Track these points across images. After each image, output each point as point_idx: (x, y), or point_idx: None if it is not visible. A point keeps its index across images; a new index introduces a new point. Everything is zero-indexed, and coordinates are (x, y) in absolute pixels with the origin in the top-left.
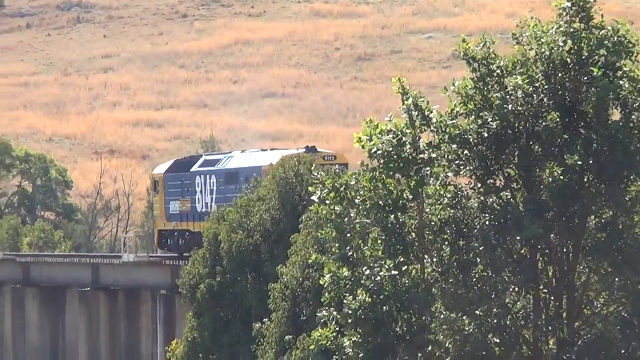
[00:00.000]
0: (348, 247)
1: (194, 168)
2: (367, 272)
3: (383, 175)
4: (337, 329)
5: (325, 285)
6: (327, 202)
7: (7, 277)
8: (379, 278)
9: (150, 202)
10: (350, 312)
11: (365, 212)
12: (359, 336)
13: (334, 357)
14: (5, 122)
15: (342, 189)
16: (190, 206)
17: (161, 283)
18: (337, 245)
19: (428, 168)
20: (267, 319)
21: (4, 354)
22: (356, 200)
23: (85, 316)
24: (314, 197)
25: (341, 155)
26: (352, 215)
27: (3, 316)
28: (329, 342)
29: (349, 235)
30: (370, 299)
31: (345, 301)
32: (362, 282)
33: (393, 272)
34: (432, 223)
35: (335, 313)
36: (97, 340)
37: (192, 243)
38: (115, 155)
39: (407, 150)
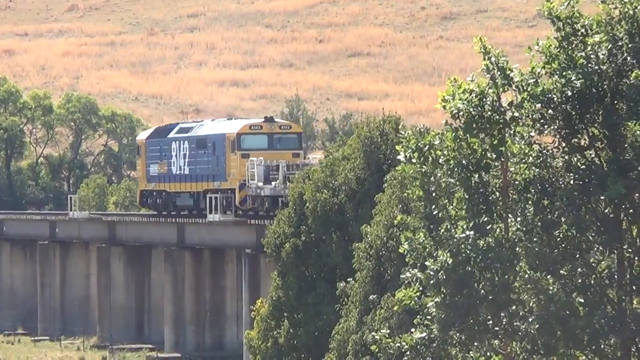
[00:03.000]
0: (434, 206)
1: (171, 135)
2: (446, 233)
3: (467, 135)
4: (421, 289)
5: (404, 253)
6: (414, 161)
7: (94, 236)
8: (457, 239)
9: (135, 165)
10: (431, 273)
11: (449, 172)
12: (441, 297)
13: (418, 316)
14: (91, 81)
15: (425, 148)
16: (167, 169)
17: (246, 242)
18: (422, 204)
19: (511, 127)
20: (351, 279)
21: (90, 312)
22: (440, 160)
23: (171, 275)
24: (400, 157)
25: (296, 126)
26: (438, 174)
27: (89, 275)
28: (413, 303)
29: (434, 194)
30: (451, 260)
31: (427, 263)
32: (443, 242)
33: (469, 232)
34: (517, 182)
35: (418, 274)
36: (182, 299)
37: (167, 202)
38: (201, 114)
39: (489, 110)
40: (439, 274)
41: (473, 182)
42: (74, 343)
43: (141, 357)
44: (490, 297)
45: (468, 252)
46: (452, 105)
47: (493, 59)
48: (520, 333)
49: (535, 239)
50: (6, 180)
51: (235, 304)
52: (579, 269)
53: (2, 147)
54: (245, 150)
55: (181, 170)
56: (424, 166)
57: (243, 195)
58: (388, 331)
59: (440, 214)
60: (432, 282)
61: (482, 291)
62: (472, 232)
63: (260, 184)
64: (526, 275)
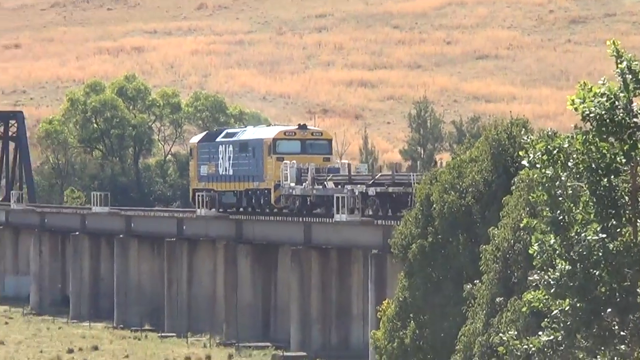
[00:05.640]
0: (559, 211)
1: (218, 139)
2: (577, 237)
3: (596, 139)
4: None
5: (534, 254)
6: (538, 165)
7: (220, 234)
8: (586, 242)
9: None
10: (552, 282)
11: (577, 176)
12: (566, 303)
13: (545, 319)
14: (220, 80)
15: (555, 152)
16: (214, 170)
17: (373, 242)
18: (548, 209)
19: None
20: (478, 280)
21: (216, 309)
22: (569, 163)
23: (297, 274)
24: (524, 162)
25: (326, 132)
26: (563, 178)
27: (216, 273)
28: (541, 305)
29: (560, 198)
30: (570, 267)
31: (549, 271)
32: (573, 245)
33: (601, 235)
34: None
35: (546, 277)
36: (308, 298)
37: (215, 200)
38: (328, 114)
39: (620, 114)
40: (562, 281)
41: (602, 186)
42: (200, 340)
43: (267, 356)
44: (615, 301)
45: (599, 255)
46: (585, 107)
47: (625, 62)
48: None
49: None
50: (134, 177)
51: (362, 303)
52: None
53: (131, 144)
54: (280, 154)
55: (226, 171)
56: (548, 170)
57: (277, 194)
58: (515, 333)
59: (565, 218)
60: (552, 290)
61: (608, 295)
62: (603, 235)
63: (293, 184)
64: None
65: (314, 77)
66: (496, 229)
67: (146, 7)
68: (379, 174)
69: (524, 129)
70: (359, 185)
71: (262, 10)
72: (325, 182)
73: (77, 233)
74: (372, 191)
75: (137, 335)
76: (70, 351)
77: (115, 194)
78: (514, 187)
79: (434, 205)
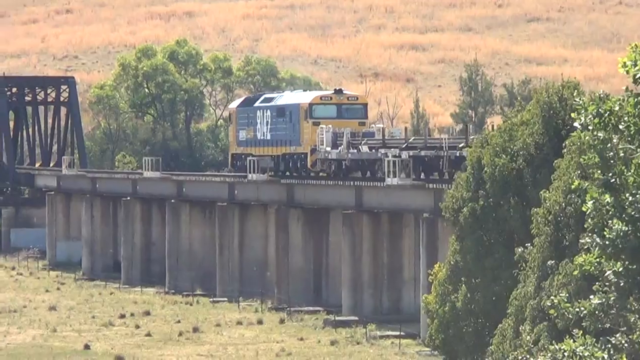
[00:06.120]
0: (611, 174)
1: (256, 104)
2: (631, 198)
3: None
4: (601, 254)
5: (587, 212)
6: (590, 128)
7: (272, 199)
8: (638, 206)
9: (227, 131)
10: (607, 242)
11: (629, 138)
12: (619, 265)
13: (597, 283)
14: (271, 44)
15: (606, 114)
16: (253, 134)
17: (424, 206)
18: (599, 171)
19: None
20: (529, 244)
21: (268, 273)
22: (620, 126)
23: (349, 238)
24: (576, 124)
25: (362, 97)
26: (615, 141)
27: (267, 237)
28: (593, 268)
29: (612, 161)
30: (626, 228)
31: (605, 230)
32: (625, 208)
33: None
34: None
35: (598, 240)
36: (359, 262)
37: (252, 164)
38: (379, 78)
39: None
40: (615, 242)
41: None
42: (251, 305)
43: (319, 320)
44: None
45: None
46: (637, 70)
47: None
48: None
49: None
50: (186, 142)
51: (413, 267)
52: None
53: (182, 109)
54: (317, 119)
55: (264, 136)
56: (600, 133)
57: (314, 158)
58: (567, 296)
59: (617, 180)
60: (608, 250)
61: None
62: None
63: (329, 148)
64: None
65: (365, 40)
66: (547, 191)
67: None
68: (412, 138)
69: (575, 92)
70: (392, 149)
71: None
72: (360, 146)
73: (128, 198)
74: (405, 154)
75: (189, 300)
76: (122, 316)
77: (166, 158)
78: (565, 150)
79: (485, 169)
